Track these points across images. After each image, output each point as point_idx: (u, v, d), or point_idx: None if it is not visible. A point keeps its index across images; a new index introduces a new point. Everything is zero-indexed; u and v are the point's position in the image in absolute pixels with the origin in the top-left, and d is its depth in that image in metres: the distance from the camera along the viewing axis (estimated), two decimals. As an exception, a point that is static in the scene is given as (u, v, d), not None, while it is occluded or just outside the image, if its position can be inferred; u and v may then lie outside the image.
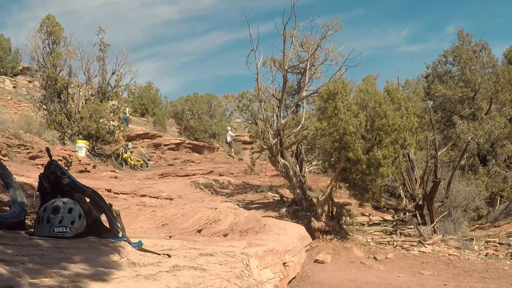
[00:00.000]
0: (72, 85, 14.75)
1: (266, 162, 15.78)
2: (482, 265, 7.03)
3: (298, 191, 9.86)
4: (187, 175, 13.68)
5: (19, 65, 25.33)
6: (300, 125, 10.71)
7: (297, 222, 8.48)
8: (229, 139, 21.78)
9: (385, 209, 12.41)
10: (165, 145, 19.40)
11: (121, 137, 15.52)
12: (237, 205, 9.48)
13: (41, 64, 13.82)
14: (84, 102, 14.36)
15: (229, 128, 22.71)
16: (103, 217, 2.82)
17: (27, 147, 9.96)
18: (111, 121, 14.76)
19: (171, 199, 8.75)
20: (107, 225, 2.82)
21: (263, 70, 11.89)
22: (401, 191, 11.60)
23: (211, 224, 5.07)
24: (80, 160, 11.68)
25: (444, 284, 5.90)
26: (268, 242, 4.93)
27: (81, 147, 12.60)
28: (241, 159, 20.19)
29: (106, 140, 14.50)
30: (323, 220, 8.29)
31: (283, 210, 9.93)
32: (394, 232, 9.54)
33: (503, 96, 13.16)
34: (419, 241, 8.64)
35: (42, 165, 6.14)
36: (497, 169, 12.52)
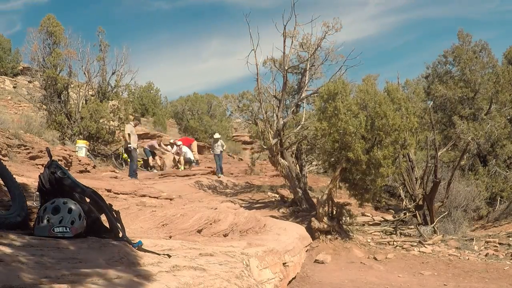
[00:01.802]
0: (72, 85, 14.78)
1: (266, 162, 15.78)
2: (482, 265, 7.02)
3: (298, 191, 9.86)
4: (187, 175, 13.68)
5: (19, 65, 25.35)
6: (300, 125, 10.70)
7: (297, 222, 8.48)
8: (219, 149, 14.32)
9: (386, 209, 12.42)
10: (166, 145, 19.35)
11: (121, 137, 15.53)
12: (237, 205, 9.49)
13: (41, 64, 13.84)
14: (84, 102, 14.38)
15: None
16: (103, 217, 2.82)
17: (27, 147, 9.95)
18: (111, 121, 14.77)
19: (171, 199, 8.75)
20: (107, 225, 2.82)
21: (263, 70, 11.92)
22: (401, 191, 11.59)
23: (211, 224, 5.07)
24: (80, 160, 11.67)
25: (444, 284, 5.90)
26: (268, 242, 4.93)
27: (81, 147, 12.59)
28: (241, 159, 20.18)
29: (106, 140, 14.53)
30: (324, 220, 8.28)
31: (284, 210, 9.94)
32: (394, 232, 9.53)
33: (503, 96, 13.16)
34: (419, 241, 8.63)
35: (42, 165, 6.14)
36: (497, 169, 12.52)
